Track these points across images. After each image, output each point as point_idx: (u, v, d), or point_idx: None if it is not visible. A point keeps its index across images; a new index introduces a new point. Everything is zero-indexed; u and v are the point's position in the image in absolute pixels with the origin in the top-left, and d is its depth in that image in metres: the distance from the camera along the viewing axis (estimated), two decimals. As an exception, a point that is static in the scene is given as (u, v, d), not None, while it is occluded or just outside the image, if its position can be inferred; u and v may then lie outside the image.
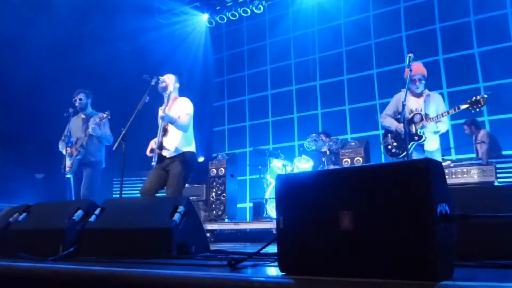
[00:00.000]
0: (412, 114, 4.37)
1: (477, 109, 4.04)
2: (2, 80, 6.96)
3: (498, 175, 4.81)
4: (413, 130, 4.30)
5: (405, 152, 4.41)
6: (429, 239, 1.23)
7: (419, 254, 1.24)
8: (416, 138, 4.28)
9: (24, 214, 2.95)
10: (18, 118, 7.17)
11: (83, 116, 5.53)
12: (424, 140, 4.31)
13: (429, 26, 7.93)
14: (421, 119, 4.30)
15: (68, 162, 5.30)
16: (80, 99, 5.47)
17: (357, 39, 8.62)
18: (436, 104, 4.42)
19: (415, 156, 4.32)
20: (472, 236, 1.68)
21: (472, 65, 7.43)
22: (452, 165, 5.02)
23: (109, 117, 5.22)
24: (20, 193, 6.95)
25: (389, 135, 4.65)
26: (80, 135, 5.35)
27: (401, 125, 4.42)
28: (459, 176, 4.86)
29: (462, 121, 6.90)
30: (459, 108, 4.10)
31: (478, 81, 7.35)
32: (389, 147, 4.63)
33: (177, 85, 4.26)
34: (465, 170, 4.85)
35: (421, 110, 4.36)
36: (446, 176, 1.49)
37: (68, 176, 5.34)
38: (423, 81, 4.42)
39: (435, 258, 1.21)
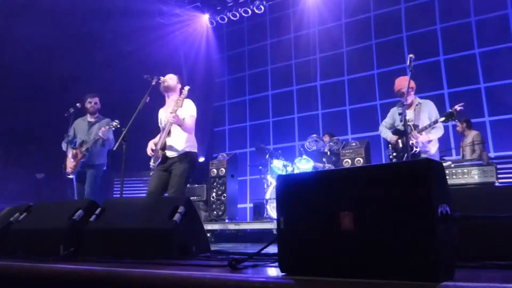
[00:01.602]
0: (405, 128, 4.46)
1: (453, 121, 4.34)
2: (3, 80, 6.97)
3: (499, 176, 4.81)
4: (409, 141, 4.39)
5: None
6: (430, 240, 1.23)
7: (420, 255, 1.24)
8: (410, 149, 4.36)
9: (25, 214, 2.95)
10: (19, 118, 7.17)
11: (90, 120, 5.56)
12: (416, 151, 4.39)
13: (430, 27, 7.93)
14: (411, 130, 4.39)
15: (71, 163, 5.34)
16: (96, 103, 5.55)
17: (358, 40, 8.62)
18: (427, 111, 4.49)
19: None
20: (473, 237, 1.68)
21: (473, 66, 7.43)
22: (452, 165, 5.02)
23: (118, 126, 5.13)
24: (21, 193, 6.95)
25: (389, 145, 4.79)
26: (86, 138, 5.37)
27: (394, 137, 4.66)
28: (460, 176, 4.85)
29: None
30: (437, 122, 4.28)
31: (479, 81, 7.35)
32: (391, 157, 4.77)
33: (179, 86, 4.27)
34: (465, 170, 4.85)
35: (410, 121, 4.44)
36: (447, 177, 1.49)
37: (70, 176, 5.38)
38: (411, 92, 4.50)
39: (436, 259, 1.21)
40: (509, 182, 5.52)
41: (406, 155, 4.37)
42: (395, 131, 4.73)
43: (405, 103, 4.40)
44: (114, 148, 4.45)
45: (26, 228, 2.81)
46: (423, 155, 4.42)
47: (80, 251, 2.52)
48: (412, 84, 4.48)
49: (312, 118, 8.93)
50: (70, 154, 5.36)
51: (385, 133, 4.85)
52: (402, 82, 4.55)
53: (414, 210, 1.28)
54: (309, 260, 1.47)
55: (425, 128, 4.33)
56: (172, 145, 4.06)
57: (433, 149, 4.52)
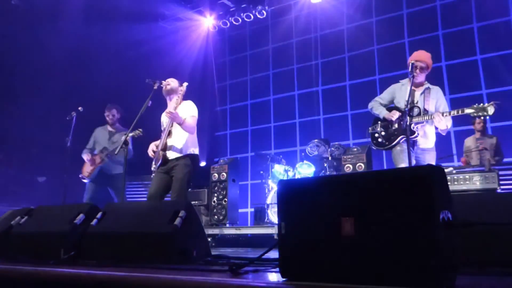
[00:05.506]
0: (410, 106, 3.96)
1: (482, 117, 3.68)
2: (5, 82, 6.99)
3: (501, 182, 4.79)
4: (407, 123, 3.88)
5: (392, 144, 4.11)
6: (431, 246, 1.23)
7: (422, 261, 1.23)
8: (410, 133, 3.85)
9: (26, 217, 2.95)
10: (21, 121, 7.19)
11: (111, 130, 5.79)
12: (416, 136, 3.97)
13: (432, 33, 7.94)
14: (419, 114, 3.94)
15: (88, 168, 5.52)
16: (114, 115, 5.76)
17: (359, 45, 8.62)
18: (435, 98, 4.08)
19: (402, 152, 3.99)
20: (474, 243, 1.67)
21: (475, 72, 7.43)
22: (454, 171, 5.00)
23: (141, 134, 4.95)
24: (22, 196, 6.95)
25: (378, 122, 4.33)
26: (107, 146, 5.56)
27: (392, 113, 4.14)
28: (461, 182, 4.83)
29: (464, 127, 6.91)
30: (463, 111, 3.71)
31: (481, 88, 7.35)
32: (376, 135, 4.29)
33: (181, 89, 4.28)
34: (467, 176, 4.83)
35: (417, 103, 4.02)
36: (448, 183, 1.48)
37: (85, 180, 5.53)
38: (425, 72, 4.06)
39: (437, 266, 1.20)
40: (511, 188, 5.50)
41: (400, 137, 3.98)
42: (393, 109, 4.22)
43: (415, 80, 3.99)
44: (116, 153, 4.57)
45: (27, 232, 2.81)
46: (420, 143, 4.02)
47: (81, 255, 2.52)
48: (428, 62, 4.04)
49: (313, 123, 8.93)
50: (88, 159, 5.50)
51: (379, 109, 4.30)
52: (425, 56, 4.06)
53: (416, 216, 1.27)
54: (310, 265, 1.46)
55: (448, 113, 3.81)
56: (172, 145, 4.05)
57: (432, 140, 4.12)
